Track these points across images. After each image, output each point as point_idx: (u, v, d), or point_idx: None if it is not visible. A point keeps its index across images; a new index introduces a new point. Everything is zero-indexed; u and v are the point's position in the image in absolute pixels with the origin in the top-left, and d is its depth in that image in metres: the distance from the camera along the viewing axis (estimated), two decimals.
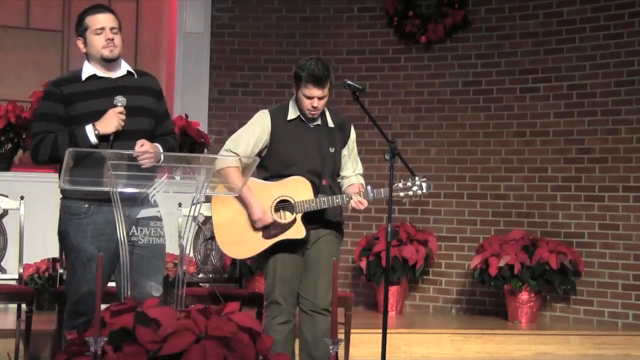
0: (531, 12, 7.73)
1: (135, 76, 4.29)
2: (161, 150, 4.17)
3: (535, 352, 6.54)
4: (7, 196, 5.31)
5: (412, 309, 7.89)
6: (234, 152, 4.71)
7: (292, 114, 4.75)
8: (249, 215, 4.69)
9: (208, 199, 5.54)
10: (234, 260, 6.13)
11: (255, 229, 4.68)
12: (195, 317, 3.29)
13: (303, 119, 4.74)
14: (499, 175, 7.78)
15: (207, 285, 5.83)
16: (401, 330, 6.59)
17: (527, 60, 7.72)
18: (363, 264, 7.40)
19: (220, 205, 4.78)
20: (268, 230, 4.67)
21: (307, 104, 4.66)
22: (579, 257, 7.14)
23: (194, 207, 3.79)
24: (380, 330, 4.34)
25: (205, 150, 7.66)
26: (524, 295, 7.08)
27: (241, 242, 4.73)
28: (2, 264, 5.23)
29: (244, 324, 3.34)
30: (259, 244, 4.70)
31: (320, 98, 4.64)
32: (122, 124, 4.11)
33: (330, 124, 4.80)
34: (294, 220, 4.65)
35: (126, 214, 3.83)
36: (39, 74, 7.87)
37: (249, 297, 5.41)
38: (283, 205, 4.68)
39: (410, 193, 4.67)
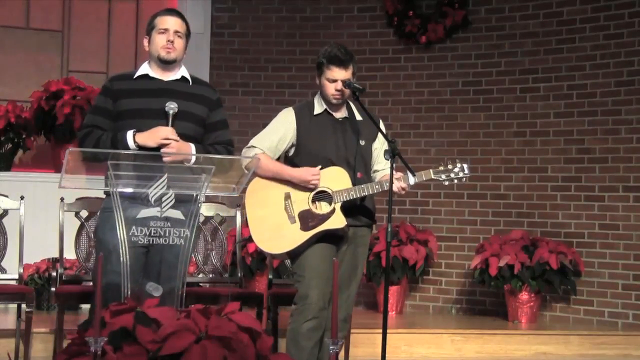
0: (531, 12, 7.73)
1: (190, 83, 4.33)
2: (193, 151, 4.16)
3: (535, 352, 6.53)
4: (7, 196, 5.31)
5: (412, 309, 7.88)
6: (259, 148, 4.57)
7: (319, 108, 4.63)
8: (300, 183, 4.50)
9: (208, 199, 5.56)
10: (233, 260, 6.12)
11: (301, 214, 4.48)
12: (195, 317, 3.29)
13: (330, 111, 4.63)
14: (499, 175, 7.78)
15: (207, 285, 5.84)
16: (401, 330, 6.58)
17: (527, 60, 7.72)
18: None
19: (254, 200, 4.59)
20: (306, 222, 4.49)
21: (331, 88, 4.54)
22: (579, 257, 7.14)
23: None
24: (380, 330, 4.32)
25: None
26: (524, 295, 7.08)
27: (279, 237, 4.51)
28: (2, 264, 5.22)
29: (244, 324, 3.33)
30: (297, 236, 4.49)
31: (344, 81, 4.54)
32: (165, 142, 4.10)
33: (358, 117, 4.69)
34: (333, 210, 4.49)
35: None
36: (39, 74, 7.87)
37: (249, 297, 5.41)
38: (321, 196, 4.53)
39: (452, 175, 4.57)
